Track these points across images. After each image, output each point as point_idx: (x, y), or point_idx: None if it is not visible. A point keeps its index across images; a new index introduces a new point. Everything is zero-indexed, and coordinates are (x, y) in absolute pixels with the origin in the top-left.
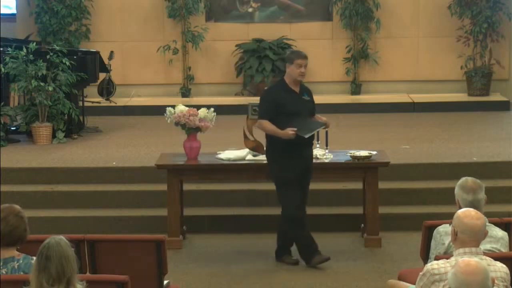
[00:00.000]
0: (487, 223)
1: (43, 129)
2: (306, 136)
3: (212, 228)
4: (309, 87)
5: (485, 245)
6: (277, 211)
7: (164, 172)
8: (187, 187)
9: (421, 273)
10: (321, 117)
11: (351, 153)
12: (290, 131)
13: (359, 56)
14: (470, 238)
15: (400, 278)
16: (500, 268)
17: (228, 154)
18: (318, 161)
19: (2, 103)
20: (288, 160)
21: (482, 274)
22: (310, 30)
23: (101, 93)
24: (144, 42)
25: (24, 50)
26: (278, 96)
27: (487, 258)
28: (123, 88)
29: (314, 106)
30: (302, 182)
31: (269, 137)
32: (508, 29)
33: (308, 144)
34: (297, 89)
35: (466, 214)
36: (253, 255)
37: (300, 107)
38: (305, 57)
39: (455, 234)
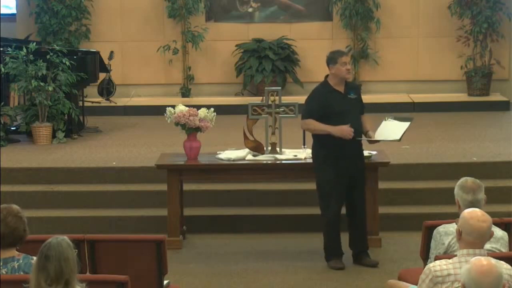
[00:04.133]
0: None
1: (43, 129)
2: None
3: (212, 228)
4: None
5: (485, 245)
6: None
7: (164, 172)
8: (187, 187)
9: (422, 274)
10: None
11: None
12: (347, 128)
13: (359, 56)
14: (475, 240)
15: (400, 278)
16: (504, 270)
17: (228, 154)
18: None
19: (2, 103)
20: (330, 165)
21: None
22: (310, 30)
23: (101, 93)
24: (144, 42)
25: (24, 50)
26: (323, 97)
27: (491, 259)
28: (123, 88)
29: (362, 105)
30: (350, 185)
31: (315, 137)
32: (508, 29)
33: (355, 146)
34: (341, 89)
35: (472, 215)
36: (253, 255)
37: (346, 107)
38: (348, 53)
39: (459, 234)
